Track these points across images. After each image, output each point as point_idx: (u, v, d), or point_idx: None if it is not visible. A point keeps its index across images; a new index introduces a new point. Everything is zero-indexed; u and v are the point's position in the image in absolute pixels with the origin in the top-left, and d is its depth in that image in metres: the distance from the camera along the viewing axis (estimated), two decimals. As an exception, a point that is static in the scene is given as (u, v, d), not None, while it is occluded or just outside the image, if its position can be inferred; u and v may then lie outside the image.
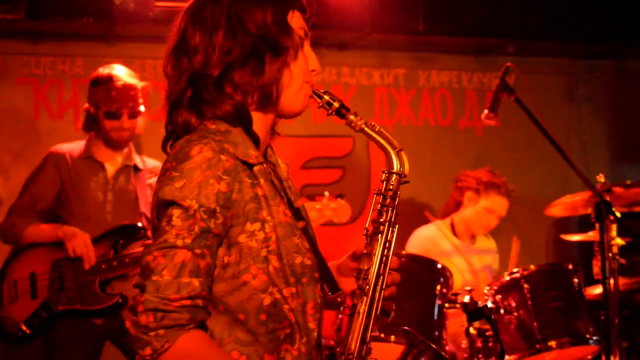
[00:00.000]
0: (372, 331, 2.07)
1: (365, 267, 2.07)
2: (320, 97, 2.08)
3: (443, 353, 2.18)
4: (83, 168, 4.25)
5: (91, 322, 4.14)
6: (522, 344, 4.01)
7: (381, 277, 2.07)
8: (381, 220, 2.09)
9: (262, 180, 1.96)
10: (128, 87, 4.19)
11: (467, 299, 3.91)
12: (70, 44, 5.10)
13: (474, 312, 2.82)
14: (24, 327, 4.06)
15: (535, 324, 4.02)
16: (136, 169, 4.32)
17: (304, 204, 2.15)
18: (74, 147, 4.32)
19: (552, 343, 4.00)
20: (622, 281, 4.16)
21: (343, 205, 4.43)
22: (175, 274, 1.81)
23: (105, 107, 4.17)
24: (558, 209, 4.46)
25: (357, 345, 2.05)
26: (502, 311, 4.02)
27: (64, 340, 4.12)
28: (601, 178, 4.12)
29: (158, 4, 4.77)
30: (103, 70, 4.23)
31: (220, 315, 1.92)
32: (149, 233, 4.21)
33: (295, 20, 2.04)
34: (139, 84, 4.24)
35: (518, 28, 5.48)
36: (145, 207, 4.28)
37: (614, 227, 3.98)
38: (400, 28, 5.32)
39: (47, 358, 4.21)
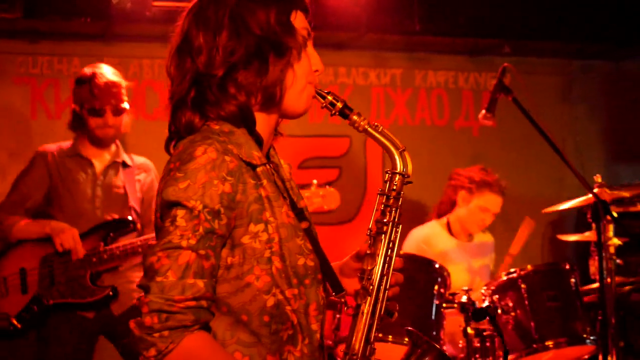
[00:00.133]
0: (375, 331, 2.06)
1: (369, 268, 2.07)
2: (324, 98, 2.08)
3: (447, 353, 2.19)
4: (72, 165, 4.26)
5: (83, 316, 4.15)
6: (520, 343, 4.02)
7: (385, 277, 2.07)
8: (384, 220, 2.08)
9: (265, 182, 1.95)
10: (110, 85, 4.19)
11: (464, 299, 3.93)
12: (68, 43, 5.10)
13: (478, 312, 2.82)
14: (15, 322, 4.08)
15: (532, 323, 4.03)
16: (124, 165, 4.33)
17: (306, 205, 2.15)
18: (61, 146, 4.33)
19: (549, 343, 4.01)
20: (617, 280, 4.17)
21: (332, 192, 4.43)
22: (180, 275, 1.80)
23: (89, 104, 4.17)
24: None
25: (361, 345, 2.05)
26: (499, 311, 4.03)
27: (57, 335, 4.13)
28: (598, 178, 4.13)
29: (155, 3, 4.77)
30: (87, 70, 4.24)
31: (224, 316, 1.91)
32: (139, 226, 4.24)
33: (298, 20, 2.04)
34: (122, 82, 4.24)
35: (514, 28, 5.48)
36: (134, 201, 4.28)
37: (611, 227, 3.99)
38: (397, 28, 5.33)
39: (41, 354, 4.22)
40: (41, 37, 5.08)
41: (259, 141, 2.01)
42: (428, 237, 4.86)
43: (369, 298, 2.06)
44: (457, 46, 5.73)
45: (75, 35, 5.06)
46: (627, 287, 4.75)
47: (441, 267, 4.14)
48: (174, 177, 1.87)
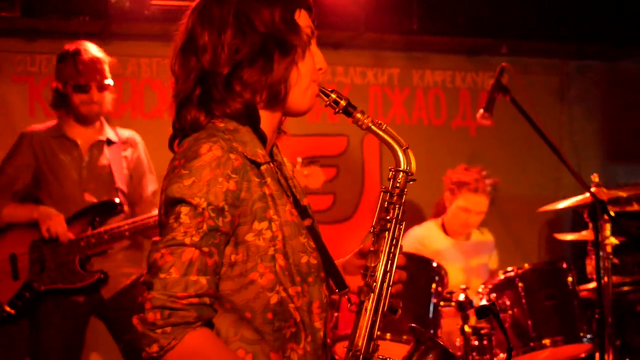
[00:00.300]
0: (379, 328, 2.06)
1: (372, 265, 2.07)
2: (327, 96, 2.08)
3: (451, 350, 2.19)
4: (57, 147, 4.24)
5: (74, 300, 4.17)
6: (517, 342, 4.04)
7: (388, 274, 2.07)
8: (388, 217, 2.09)
9: (269, 180, 1.96)
10: (95, 60, 4.18)
11: (462, 297, 3.94)
12: (66, 42, 5.02)
13: (482, 309, 2.81)
14: (7, 309, 4.10)
15: (529, 322, 4.05)
16: (109, 142, 4.31)
17: (309, 202, 2.15)
18: (47, 125, 4.31)
19: (546, 341, 4.03)
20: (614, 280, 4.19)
21: (316, 170, 4.43)
22: (183, 271, 1.81)
23: (74, 81, 4.16)
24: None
25: (364, 342, 2.05)
26: (497, 309, 4.04)
27: (48, 320, 4.15)
28: (595, 178, 4.15)
29: (154, 2, 4.77)
30: (69, 46, 4.23)
31: (227, 313, 1.92)
32: (125, 208, 4.24)
33: (302, 19, 2.04)
34: (106, 58, 4.23)
35: (511, 28, 5.49)
36: (120, 181, 4.27)
37: (608, 226, 4.01)
38: (395, 28, 5.33)
39: (33, 338, 4.23)
40: (39, 36, 5.08)
41: (263, 139, 2.01)
42: (423, 238, 4.87)
43: (372, 295, 2.06)
44: (454, 46, 5.74)
45: (73, 34, 5.03)
46: (626, 288, 4.78)
47: (439, 265, 4.15)
48: (178, 174, 1.87)
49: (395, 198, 2.11)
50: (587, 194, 3.94)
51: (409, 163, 2.11)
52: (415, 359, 2.19)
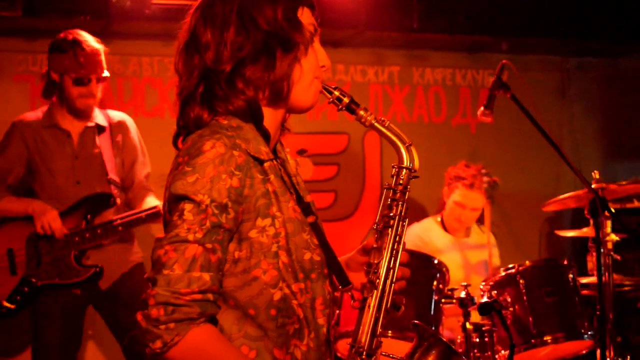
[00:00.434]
0: (382, 325, 2.07)
1: (376, 261, 2.08)
2: (331, 93, 2.09)
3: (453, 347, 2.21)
4: (48, 137, 4.22)
5: (71, 293, 4.19)
6: (518, 338, 4.03)
7: (391, 270, 2.08)
8: (391, 214, 2.10)
9: (272, 177, 1.97)
10: (95, 52, 4.14)
11: (463, 294, 3.95)
12: (67, 41, 5.11)
13: (485, 306, 2.84)
14: (6, 304, 4.12)
15: (530, 319, 4.04)
16: (99, 128, 4.28)
17: (313, 199, 2.16)
18: (38, 114, 4.28)
19: (547, 338, 4.03)
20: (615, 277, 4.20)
21: (305, 161, 4.44)
22: (186, 268, 1.82)
23: (75, 73, 4.11)
24: (552, 205, 4.51)
25: (368, 338, 2.06)
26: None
27: (46, 312, 4.17)
28: (596, 175, 4.15)
29: (154, 1, 4.77)
30: (66, 35, 4.16)
31: (231, 309, 1.93)
32: (118, 201, 4.24)
33: (305, 16, 2.05)
34: (102, 48, 4.19)
35: (511, 25, 5.49)
36: (112, 171, 4.26)
37: (609, 223, 4.02)
38: (395, 26, 5.34)
39: (33, 328, 4.25)
40: (41, 35, 5.06)
41: (266, 136, 2.02)
42: (423, 234, 4.88)
43: (375, 291, 2.07)
44: (455, 43, 5.74)
45: (75, 34, 5.07)
46: (627, 288, 4.79)
47: (440, 262, 4.16)
48: (182, 171, 1.88)
49: (398, 195, 2.12)
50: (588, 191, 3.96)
51: (412, 160, 2.12)
52: (418, 355, 2.21)
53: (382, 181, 5.63)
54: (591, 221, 3.97)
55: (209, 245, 1.84)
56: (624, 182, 4.28)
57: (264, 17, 1.99)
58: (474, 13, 5.39)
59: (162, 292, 1.80)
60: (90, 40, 4.16)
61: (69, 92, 4.15)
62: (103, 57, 4.17)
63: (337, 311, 4.11)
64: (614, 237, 4.02)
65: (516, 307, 4.08)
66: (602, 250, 3.93)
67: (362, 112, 2.09)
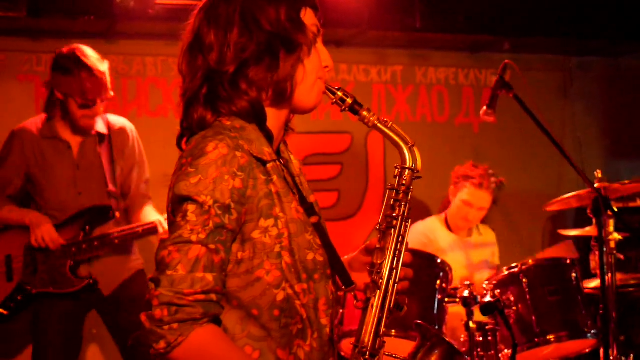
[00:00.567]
0: (385, 325, 2.08)
1: (379, 261, 2.09)
2: (334, 93, 2.10)
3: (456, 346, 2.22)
4: (48, 149, 4.21)
5: (70, 300, 4.21)
6: (521, 337, 4.04)
7: (394, 271, 2.09)
8: (394, 214, 2.10)
9: (275, 177, 1.97)
10: (102, 75, 4.11)
11: (466, 293, 3.96)
12: (72, 41, 5.03)
13: (487, 306, 2.84)
14: (1, 310, 4.13)
15: (533, 318, 4.05)
16: (100, 136, 4.27)
17: (316, 199, 2.17)
18: (37, 124, 4.25)
19: (551, 337, 4.03)
20: (619, 276, 4.20)
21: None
22: (190, 268, 1.82)
23: (81, 99, 4.10)
24: (555, 204, 4.51)
25: (371, 338, 2.07)
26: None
27: (48, 316, 4.19)
28: (598, 174, 4.16)
29: (158, 1, 4.77)
30: (71, 55, 4.12)
31: (234, 310, 1.93)
32: (117, 214, 4.25)
33: (308, 17, 2.06)
34: (107, 67, 4.15)
35: (513, 25, 5.49)
36: (112, 182, 4.25)
37: (612, 222, 4.02)
38: (397, 25, 5.34)
39: (33, 332, 4.27)
40: (45, 35, 5.09)
41: (269, 137, 2.02)
42: (428, 232, 4.89)
43: (378, 291, 2.07)
44: (457, 43, 5.75)
45: (79, 34, 5.05)
46: (631, 289, 4.79)
47: (443, 262, 4.16)
48: (185, 172, 1.89)
49: (401, 195, 2.12)
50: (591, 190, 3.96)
51: (415, 160, 2.13)
52: (421, 355, 2.22)
53: (385, 180, 5.64)
54: (594, 220, 3.97)
55: (212, 246, 1.85)
56: (626, 181, 4.29)
57: (267, 18, 1.99)
58: (476, 13, 5.39)
59: (165, 292, 1.81)
60: (96, 61, 4.12)
61: (73, 112, 4.14)
62: (108, 78, 4.14)
63: (341, 310, 4.11)
64: (616, 236, 4.02)
65: (519, 306, 4.08)
66: (604, 249, 3.93)
67: (365, 113, 2.10)
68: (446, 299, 4.04)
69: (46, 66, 5.11)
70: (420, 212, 5.33)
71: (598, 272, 3.97)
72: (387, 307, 2.08)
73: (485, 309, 3.00)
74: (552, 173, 5.77)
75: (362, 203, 5.66)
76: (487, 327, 4.00)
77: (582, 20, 5.54)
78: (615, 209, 3.98)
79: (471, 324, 3.94)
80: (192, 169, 1.88)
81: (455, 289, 4.04)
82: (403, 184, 2.13)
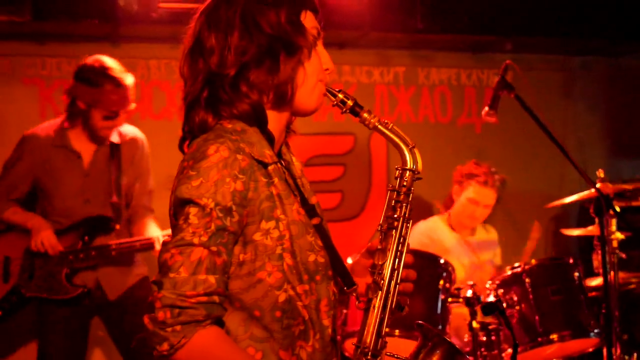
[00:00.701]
0: (387, 325, 2.08)
1: (380, 262, 2.09)
2: (335, 96, 2.10)
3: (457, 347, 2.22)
4: (58, 158, 4.22)
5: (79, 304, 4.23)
6: (524, 337, 4.04)
7: (396, 271, 2.09)
8: (395, 216, 2.11)
9: (276, 180, 1.98)
10: (126, 88, 4.14)
11: (469, 293, 3.97)
12: (76, 45, 5.11)
13: (488, 306, 2.83)
14: None
15: (536, 317, 4.05)
16: (113, 147, 4.28)
17: (318, 201, 2.18)
18: (48, 131, 4.26)
19: (554, 336, 4.03)
20: (621, 275, 4.21)
21: None
22: (192, 271, 1.83)
23: (106, 111, 4.12)
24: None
25: (373, 339, 2.07)
26: (504, 305, 4.07)
27: (53, 319, 4.20)
28: (600, 173, 4.16)
29: (162, 5, 4.79)
30: (97, 67, 4.13)
31: (237, 311, 1.94)
32: (117, 226, 4.26)
33: (308, 20, 2.06)
34: (132, 81, 4.17)
35: (515, 25, 5.49)
36: (117, 192, 4.26)
37: (614, 221, 4.03)
38: (399, 27, 5.35)
39: (39, 335, 4.30)
40: (49, 39, 5.11)
41: (270, 139, 2.03)
42: (430, 231, 4.90)
43: (380, 292, 2.08)
44: (459, 44, 5.75)
45: (83, 37, 5.08)
46: (632, 286, 4.80)
47: (446, 262, 4.17)
48: (187, 175, 1.90)
49: (402, 197, 2.12)
50: (593, 189, 3.97)
51: (415, 162, 2.13)
52: (422, 355, 2.21)
53: (389, 181, 5.64)
54: (596, 220, 3.98)
55: (214, 248, 1.86)
56: (630, 186, 4.30)
57: (267, 21, 2.00)
58: (477, 13, 5.39)
59: (168, 294, 1.82)
60: (121, 74, 4.13)
61: (95, 123, 4.16)
62: (132, 90, 4.16)
63: (345, 311, 4.13)
64: (619, 235, 4.02)
65: (522, 305, 4.09)
66: (607, 248, 3.94)
67: (365, 115, 2.10)
68: (449, 299, 4.05)
69: (51, 70, 5.13)
70: (423, 212, 5.33)
71: (601, 271, 3.98)
72: (388, 307, 2.08)
73: (486, 309, 2.99)
74: (555, 173, 5.77)
75: (365, 204, 5.67)
76: (490, 327, 4.01)
77: (584, 20, 5.54)
78: (618, 209, 3.98)
79: (474, 324, 3.95)
80: (194, 172, 1.89)
81: (459, 289, 4.05)
82: (404, 185, 2.13)
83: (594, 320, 4.10)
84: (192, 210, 1.87)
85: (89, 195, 4.24)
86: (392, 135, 2.13)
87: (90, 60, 4.17)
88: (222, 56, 1.99)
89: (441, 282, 4.10)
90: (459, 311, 4.20)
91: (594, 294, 4.30)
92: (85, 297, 4.18)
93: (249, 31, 1.99)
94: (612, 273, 3.95)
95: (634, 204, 4.98)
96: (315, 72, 2.06)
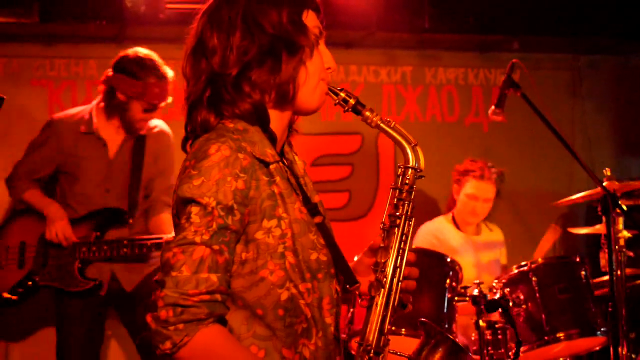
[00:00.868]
0: (389, 323, 2.09)
1: (383, 260, 2.09)
2: (337, 95, 2.10)
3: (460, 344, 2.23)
4: (84, 145, 4.24)
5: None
6: (531, 335, 4.04)
7: (398, 269, 2.09)
8: (397, 214, 2.11)
9: (278, 178, 1.99)
10: (168, 82, 4.17)
11: (476, 292, 3.97)
12: (84, 46, 5.15)
13: (491, 303, 2.85)
14: (7, 295, 4.20)
15: (543, 316, 4.05)
16: (139, 138, 4.29)
17: (321, 199, 2.18)
18: (76, 117, 4.27)
19: (561, 335, 4.03)
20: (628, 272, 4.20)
21: None
22: (194, 269, 1.84)
23: (148, 104, 4.14)
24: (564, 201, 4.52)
25: (375, 336, 2.08)
26: (510, 304, 4.07)
27: (71, 312, 4.25)
28: (607, 172, 4.16)
29: (169, 6, 4.81)
30: (139, 60, 4.14)
31: (239, 310, 1.95)
32: (131, 220, 4.28)
33: (310, 19, 2.07)
34: (172, 74, 4.19)
35: (522, 24, 5.49)
36: (136, 186, 4.27)
37: (621, 220, 4.02)
38: (406, 26, 5.36)
39: (57, 326, 4.33)
40: (57, 41, 5.13)
41: (272, 138, 2.04)
42: (438, 232, 4.91)
43: (382, 290, 2.08)
44: (466, 43, 5.75)
45: (90, 38, 5.11)
46: (639, 281, 4.78)
47: (453, 261, 4.18)
48: (188, 175, 1.91)
49: (404, 195, 2.12)
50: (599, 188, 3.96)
51: (417, 160, 2.13)
52: (425, 353, 2.22)
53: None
54: (603, 218, 3.97)
55: (216, 247, 1.87)
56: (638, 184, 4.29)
57: (269, 21, 2.01)
58: (484, 12, 5.39)
59: (170, 293, 1.82)
60: (163, 67, 4.15)
61: (133, 115, 4.18)
62: (172, 82, 4.17)
63: (352, 310, 4.14)
64: (626, 233, 4.01)
65: (529, 304, 4.08)
66: (614, 246, 3.94)
67: (368, 113, 2.10)
68: (456, 298, 4.05)
69: (59, 71, 5.16)
70: (431, 211, 5.34)
71: (607, 269, 3.97)
72: (391, 305, 2.09)
73: (489, 306, 3.01)
74: (563, 172, 5.76)
75: (373, 203, 5.67)
76: (496, 326, 4.01)
77: (591, 19, 5.53)
78: (625, 207, 3.98)
79: (481, 323, 3.96)
80: (195, 172, 1.90)
81: (465, 287, 4.06)
82: (406, 183, 2.13)
83: (601, 319, 4.09)
84: (194, 209, 1.88)
85: (110, 185, 4.26)
86: (394, 134, 2.13)
87: (131, 52, 4.20)
88: (224, 56, 2.00)
89: (448, 280, 4.11)
90: (466, 310, 4.20)
91: (601, 291, 4.29)
92: (97, 290, 4.20)
93: (250, 31, 2.00)
94: (619, 271, 3.94)
95: (641, 202, 4.96)
96: (317, 71, 2.07)
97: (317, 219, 2.07)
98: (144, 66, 4.13)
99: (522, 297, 4.09)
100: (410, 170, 2.14)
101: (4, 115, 4.34)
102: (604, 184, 3.99)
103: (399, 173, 2.15)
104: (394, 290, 2.09)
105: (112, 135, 4.27)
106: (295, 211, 1.99)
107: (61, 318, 4.27)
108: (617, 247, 3.95)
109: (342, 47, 5.50)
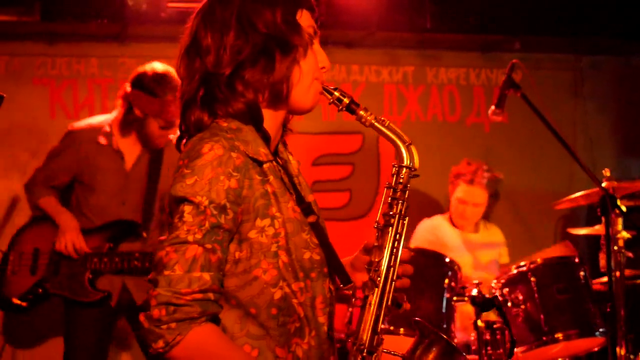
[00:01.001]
0: (383, 322, 2.09)
1: (376, 259, 2.09)
2: (331, 94, 2.10)
3: (454, 343, 2.22)
4: (101, 157, 4.24)
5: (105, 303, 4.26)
6: (529, 336, 4.05)
7: (392, 268, 2.09)
8: (391, 213, 2.11)
9: (271, 178, 1.99)
10: None
11: (475, 292, 3.97)
12: (85, 44, 5.16)
13: (485, 302, 2.85)
14: (17, 301, 4.20)
15: (542, 316, 4.05)
16: (157, 151, 4.27)
17: (315, 199, 2.18)
18: (95, 128, 4.26)
19: (559, 335, 4.04)
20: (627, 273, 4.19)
21: None
22: (187, 268, 1.84)
23: (165, 122, 4.11)
24: (564, 203, 4.51)
25: (369, 336, 2.07)
26: (509, 304, 4.07)
27: (81, 321, 4.23)
28: (607, 172, 4.16)
29: (170, 4, 4.82)
30: (157, 78, 4.08)
31: (232, 309, 1.95)
32: (144, 234, 4.28)
33: (304, 19, 2.07)
34: None
35: (524, 24, 5.50)
36: (150, 197, 4.26)
37: (620, 220, 4.02)
38: (408, 26, 5.37)
39: (66, 335, 4.32)
40: (59, 39, 5.14)
41: (266, 138, 2.04)
42: (435, 229, 4.93)
43: (376, 289, 2.08)
44: (468, 43, 5.75)
45: (92, 37, 5.12)
46: (639, 281, 4.78)
47: (452, 261, 4.18)
48: (181, 174, 1.92)
49: (398, 194, 2.13)
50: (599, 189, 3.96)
51: (412, 159, 2.13)
52: (419, 352, 2.21)
53: (397, 180, 5.63)
54: (603, 219, 3.97)
55: (208, 246, 1.87)
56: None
57: (262, 21, 2.01)
58: (486, 13, 5.40)
59: (163, 292, 1.83)
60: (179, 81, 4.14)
61: (151, 132, 4.16)
62: None
63: (350, 309, 4.14)
64: (625, 234, 4.01)
65: (528, 304, 4.09)
66: (613, 247, 3.93)
67: (362, 112, 2.10)
68: (455, 298, 4.05)
69: (61, 69, 5.17)
70: (433, 211, 5.34)
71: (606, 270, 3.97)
72: (384, 304, 2.08)
73: (484, 305, 3.01)
74: (564, 172, 5.75)
75: (373, 203, 5.67)
76: (495, 326, 4.01)
77: (593, 20, 5.53)
78: (624, 208, 3.98)
79: (479, 323, 3.95)
80: (188, 170, 1.91)
81: (464, 287, 4.05)
82: (400, 182, 2.13)
83: (600, 319, 4.09)
84: (187, 208, 1.89)
85: (126, 197, 4.26)
86: (388, 132, 2.13)
87: (149, 68, 4.14)
88: (218, 55, 2.01)
89: (446, 280, 4.11)
90: (465, 308, 4.20)
91: (599, 287, 4.29)
92: (106, 301, 4.20)
93: (244, 31, 2.01)
94: (618, 272, 3.94)
95: (640, 203, 4.96)
96: (311, 71, 2.07)
97: (311, 219, 2.06)
98: (162, 83, 4.08)
99: (521, 297, 4.10)
100: (404, 169, 2.14)
101: (5, 113, 4.37)
102: (604, 184, 3.99)
103: (393, 172, 2.16)
104: (387, 289, 2.09)
105: (130, 147, 4.27)
106: (288, 210, 2.00)
107: (70, 327, 4.26)
108: (616, 247, 3.95)
109: (344, 47, 5.50)
